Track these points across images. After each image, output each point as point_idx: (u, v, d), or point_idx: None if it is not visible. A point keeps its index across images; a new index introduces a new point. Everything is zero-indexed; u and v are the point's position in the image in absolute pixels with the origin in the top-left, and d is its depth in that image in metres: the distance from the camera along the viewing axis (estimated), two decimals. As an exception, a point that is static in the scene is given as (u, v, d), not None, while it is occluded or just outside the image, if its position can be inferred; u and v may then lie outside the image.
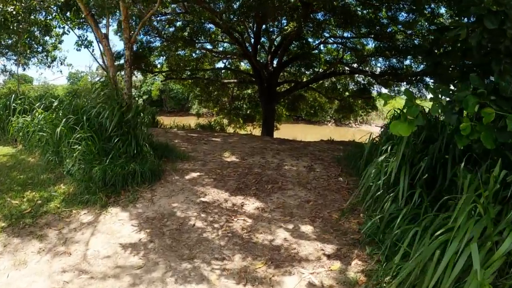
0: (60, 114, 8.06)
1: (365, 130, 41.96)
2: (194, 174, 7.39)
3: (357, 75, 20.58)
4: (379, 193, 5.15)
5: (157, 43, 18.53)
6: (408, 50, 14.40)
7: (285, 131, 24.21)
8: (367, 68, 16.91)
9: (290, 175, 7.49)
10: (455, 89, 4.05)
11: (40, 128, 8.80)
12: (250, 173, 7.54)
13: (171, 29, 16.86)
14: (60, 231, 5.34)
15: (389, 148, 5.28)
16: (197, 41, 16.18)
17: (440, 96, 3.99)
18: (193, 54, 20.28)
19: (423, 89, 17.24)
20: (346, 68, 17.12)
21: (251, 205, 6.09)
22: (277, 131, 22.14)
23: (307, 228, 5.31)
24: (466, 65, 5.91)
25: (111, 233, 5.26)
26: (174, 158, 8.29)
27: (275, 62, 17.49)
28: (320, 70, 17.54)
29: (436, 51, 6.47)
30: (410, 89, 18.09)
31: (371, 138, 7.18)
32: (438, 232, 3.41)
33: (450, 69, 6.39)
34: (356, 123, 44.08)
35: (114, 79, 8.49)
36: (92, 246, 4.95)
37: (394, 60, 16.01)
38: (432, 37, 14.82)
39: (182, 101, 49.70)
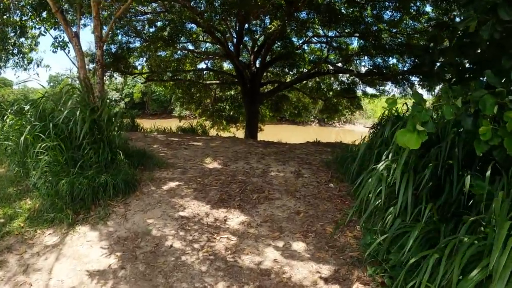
0: (26, 121, 7.28)
1: (349, 129, 41.85)
2: (173, 184, 6.71)
3: (341, 74, 20.18)
4: (379, 204, 4.55)
5: (137, 44, 17.80)
6: (393, 49, 13.94)
7: (269, 132, 23.64)
8: (352, 67, 16.38)
9: (277, 182, 6.88)
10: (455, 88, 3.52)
11: (7, 136, 8.00)
12: (234, 181, 6.90)
13: (152, 29, 16.09)
14: (21, 256, 4.63)
15: (390, 154, 4.66)
16: (177, 41, 15.46)
17: (451, 97, 3.42)
18: (175, 55, 19.54)
19: (408, 88, 16.90)
20: (331, 68, 16.61)
21: (235, 219, 5.45)
22: (261, 133, 21.57)
23: (299, 246, 4.70)
24: (462, 63, 5.44)
25: (78, 257, 4.57)
26: (151, 166, 7.58)
27: (258, 62, 16.90)
28: (305, 70, 17.00)
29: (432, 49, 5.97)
30: (395, 88, 17.75)
31: (363, 141, 6.64)
32: (474, 274, 2.79)
33: (446, 68, 5.87)
34: (340, 122, 43.81)
35: (85, 81, 7.75)
36: (56, 274, 4.25)
37: (379, 59, 15.55)
38: (417, 35, 14.48)
39: (164, 104, 48.79)
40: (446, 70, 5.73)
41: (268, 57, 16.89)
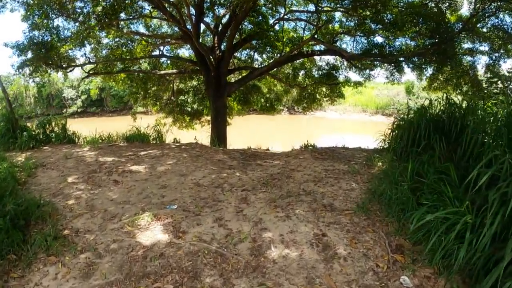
0: None
1: (320, 116, 38.25)
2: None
3: (319, 58, 16.29)
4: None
5: (72, 28, 13.19)
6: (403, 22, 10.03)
7: (237, 125, 19.60)
8: (344, 47, 12.42)
9: (290, 275, 2.89)
10: None
11: None
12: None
13: (79, 3, 11.51)
14: None
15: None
16: (116, 18, 11.01)
17: None
18: (120, 40, 15.00)
19: (396, 73, 13.24)
20: (317, 48, 12.61)
21: None
22: (228, 127, 17.52)
23: None
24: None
25: None
26: (36, 243, 3.48)
27: (223, 45, 12.73)
28: (279, 54, 12.94)
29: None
30: (383, 73, 14.02)
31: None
32: None
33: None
34: (310, 110, 40.10)
35: None
36: None
37: (379, 38, 11.65)
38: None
39: (124, 99, 43.51)
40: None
41: (236, 37, 12.77)
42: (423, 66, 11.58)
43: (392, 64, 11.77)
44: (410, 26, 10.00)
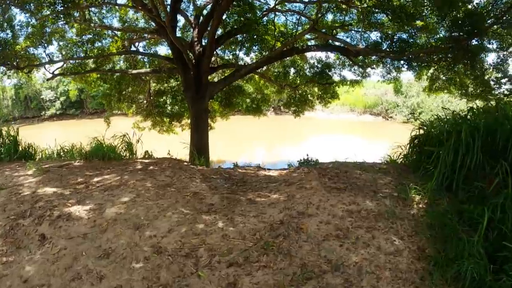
0: None
1: (308, 117, 36.21)
2: None
3: (311, 56, 14.44)
4: None
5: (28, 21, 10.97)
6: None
7: (221, 128, 17.74)
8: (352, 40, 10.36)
9: None
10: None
11: None
12: None
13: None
14: None
15: None
16: (71, 5, 8.81)
17: None
18: (87, 37, 12.81)
19: (394, 71, 11.52)
20: (313, 43, 10.59)
21: None
22: (211, 132, 15.52)
23: None
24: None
25: None
26: None
27: (205, 41, 10.63)
28: (266, 52, 10.89)
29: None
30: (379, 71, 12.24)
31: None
32: None
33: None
34: (301, 113, 38.10)
35: None
36: None
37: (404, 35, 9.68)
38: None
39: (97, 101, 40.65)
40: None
41: (219, 31, 10.71)
42: (444, 64, 9.67)
43: (402, 61, 9.84)
44: (430, 14, 8.06)
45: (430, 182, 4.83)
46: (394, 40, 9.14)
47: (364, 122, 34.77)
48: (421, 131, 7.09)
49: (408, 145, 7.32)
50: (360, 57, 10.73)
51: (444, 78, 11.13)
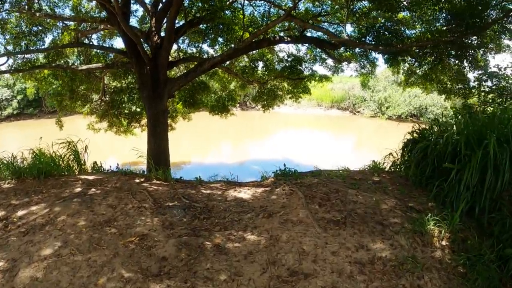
0: None
1: (274, 112, 35.03)
2: None
3: (279, 48, 13.28)
4: None
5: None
6: None
7: (185, 126, 16.14)
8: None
9: None
10: None
11: None
12: None
13: None
14: None
15: None
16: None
17: None
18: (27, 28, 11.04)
19: (368, 66, 11.11)
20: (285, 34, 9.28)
21: None
22: (172, 133, 14.08)
23: None
24: None
25: None
26: None
27: (163, 30, 9.10)
28: (231, 45, 9.49)
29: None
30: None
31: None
32: None
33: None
34: (271, 108, 36.81)
35: None
36: None
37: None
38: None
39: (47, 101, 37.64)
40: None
41: (182, 21, 9.24)
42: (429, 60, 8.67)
43: (387, 55, 8.71)
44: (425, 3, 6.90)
45: (453, 212, 3.70)
46: (381, 31, 7.95)
47: (331, 117, 33.99)
48: (417, 134, 6.12)
49: (402, 152, 6.22)
50: (337, 50, 9.54)
51: (420, 73, 10.33)
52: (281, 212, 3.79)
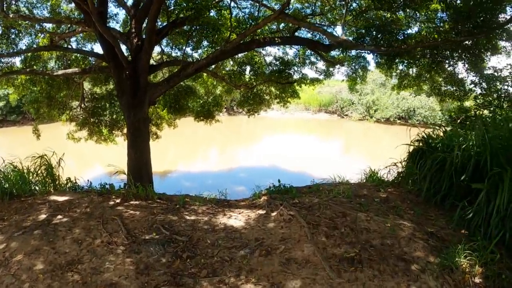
0: None
1: (261, 116, 34.32)
2: None
3: (268, 51, 12.69)
4: None
5: None
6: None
7: (172, 133, 15.15)
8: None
9: None
10: None
11: None
12: None
13: None
14: None
15: None
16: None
17: None
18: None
19: (360, 70, 10.65)
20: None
21: None
22: (156, 143, 13.35)
23: None
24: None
25: None
26: None
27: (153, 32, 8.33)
28: (217, 47, 8.78)
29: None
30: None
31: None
32: None
33: None
34: (257, 113, 36.07)
35: None
36: None
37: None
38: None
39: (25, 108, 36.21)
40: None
41: (164, 22, 8.50)
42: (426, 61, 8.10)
43: (386, 56, 8.08)
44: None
45: (483, 241, 3.08)
46: (380, 31, 7.28)
47: (319, 121, 33.48)
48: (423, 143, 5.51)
49: (408, 162, 5.60)
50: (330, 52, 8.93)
51: (413, 75, 9.82)
52: (282, 248, 3.10)
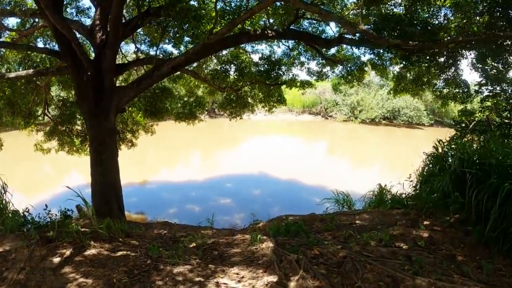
0: None
1: (243, 119, 33.10)
2: None
3: (251, 49, 11.34)
4: None
5: None
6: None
7: (145, 144, 13.51)
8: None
9: None
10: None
11: None
12: None
13: None
14: None
15: None
16: None
17: None
18: None
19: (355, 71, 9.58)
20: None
21: None
22: (131, 152, 11.88)
23: None
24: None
25: None
26: None
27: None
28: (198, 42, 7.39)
29: None
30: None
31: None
32: None
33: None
34: (239, 116, 34.65)
35: None
36: None
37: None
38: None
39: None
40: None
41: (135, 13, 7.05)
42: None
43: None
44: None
45: None
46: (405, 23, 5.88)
47: (304, 122, 32.39)
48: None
49: (444, 187, 4.27)
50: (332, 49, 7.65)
51: (410, 77, 8.90)
52: None
